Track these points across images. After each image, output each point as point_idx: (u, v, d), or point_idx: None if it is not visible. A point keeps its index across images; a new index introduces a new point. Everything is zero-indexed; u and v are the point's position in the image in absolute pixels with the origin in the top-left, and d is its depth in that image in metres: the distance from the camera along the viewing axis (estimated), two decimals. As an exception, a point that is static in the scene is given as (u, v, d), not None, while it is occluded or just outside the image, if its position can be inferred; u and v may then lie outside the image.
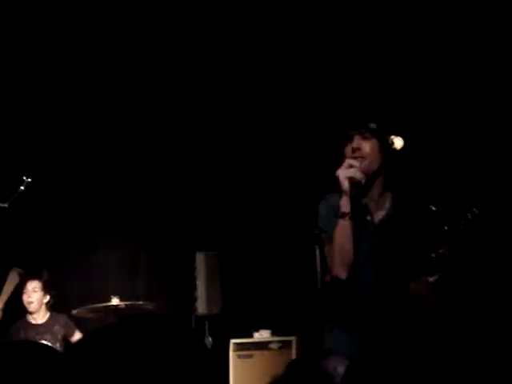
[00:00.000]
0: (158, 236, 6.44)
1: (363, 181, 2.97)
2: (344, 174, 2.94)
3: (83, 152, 6.16)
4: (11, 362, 4.35)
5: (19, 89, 5.54)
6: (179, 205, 6.41)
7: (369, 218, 3.12)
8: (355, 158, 2.99)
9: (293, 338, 5.62)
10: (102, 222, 6.42)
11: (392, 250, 3.11)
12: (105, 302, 5.54)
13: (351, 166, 2.94)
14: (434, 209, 5.90)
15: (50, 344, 5.47)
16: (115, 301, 5.55)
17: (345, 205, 2.97)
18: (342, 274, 3.03)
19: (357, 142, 3.01)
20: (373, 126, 3.05)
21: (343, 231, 2.99)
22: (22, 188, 5.09)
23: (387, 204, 3.14)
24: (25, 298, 5.56)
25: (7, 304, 5.50)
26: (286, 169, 6.03)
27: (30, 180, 5.11)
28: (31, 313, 5.62)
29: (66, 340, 5.64)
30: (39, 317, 5.66)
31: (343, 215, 2.98)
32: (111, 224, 6.45)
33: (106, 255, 6.39)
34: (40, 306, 5.63)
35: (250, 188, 6.26)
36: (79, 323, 5.70)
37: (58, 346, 5.52)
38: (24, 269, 5.56)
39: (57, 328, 5.63)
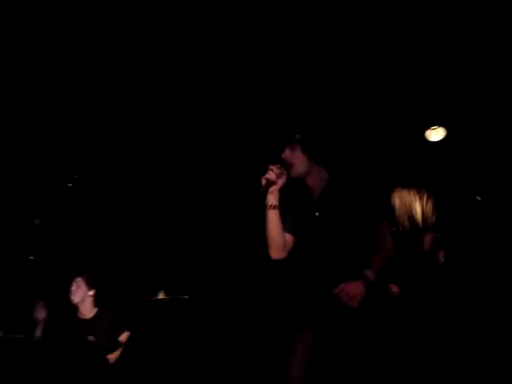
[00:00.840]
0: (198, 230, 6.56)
1: (278, 180, 3.63)
2: (263, 177, 3.63)
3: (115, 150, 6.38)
4: (59, 355, 4.52)
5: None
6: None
7: (317, 214, 3.70)
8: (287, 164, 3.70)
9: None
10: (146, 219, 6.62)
11: (336, 219, 3.61)
12: (151, 296, 5.66)
13: (271, 170, 3.65)
14: (479, 199, 5.86)
15: (96, 340, 5.63)
16: (161, 295, 5.65)
17: (268, 199, 3.66)
18: (280, 255, 3.70)
19: (285, 152, 3.72)
20: (297, 136, 3.72)
21: (270, 220, 3.66)
22: (70, 184, 5.43)
23: (323, 184, 3.73)
24: (70, 291, 5.74)
25: (57, 301, 5.76)
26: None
27: (77, 177, 5.43)
28: (77, 307, 5.79)
29: (112, 337, 5.77)
30: (86, 312, 5.79)
31: (268, 207, 3.67)
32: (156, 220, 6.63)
33: (152, 250, 6.55)
34: (84, 300, 5.80)
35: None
36: (125, 318, 5.81)
37: (104, 342, 5.65)
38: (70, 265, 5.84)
39: (104, 325, 5.75)
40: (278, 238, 3.65)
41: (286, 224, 3.74)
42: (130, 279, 6.40)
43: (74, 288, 5.83)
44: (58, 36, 4.95)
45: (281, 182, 3.63)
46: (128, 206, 6.51)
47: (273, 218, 3.65)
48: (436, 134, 6.32)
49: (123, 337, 5.79)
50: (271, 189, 3.61)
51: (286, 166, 3.66)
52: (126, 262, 6.49)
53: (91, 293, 5.84)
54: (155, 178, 6.47)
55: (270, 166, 3.61)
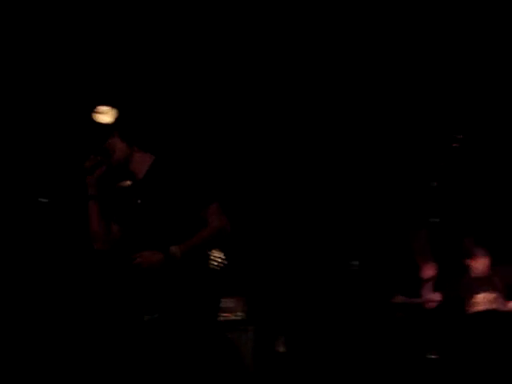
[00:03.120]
0: None
1: (96, 169, 3.59)
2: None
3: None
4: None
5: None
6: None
7: (139, 201, 3.57)
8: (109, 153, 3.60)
9: None
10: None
11: (159, 203, 3.48)
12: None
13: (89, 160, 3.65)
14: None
15: (489, 294, 5.68)
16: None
17: (88, 189, 3.64)
18: (103, 246, 3.62)
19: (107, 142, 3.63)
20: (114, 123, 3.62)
21: (90, 211, 3.62)
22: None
23: (146, 168, 3.59)
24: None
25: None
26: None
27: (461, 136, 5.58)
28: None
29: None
30: (479, 271, 5.90)
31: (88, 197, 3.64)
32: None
33: None
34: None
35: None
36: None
37: (497, 296, 5.69)
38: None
39: (496, 279, 5.78)
40: (98, 228, 3.60)
41: (113, 214, 3.70)
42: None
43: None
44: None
45: (98, 171, 3.61)
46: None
47: (91, 209, 3.63)
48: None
49: None
50: (88, 179, 3.62)
51: (108, 154, 3.58)
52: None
53: None
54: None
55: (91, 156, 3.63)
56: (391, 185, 6.24)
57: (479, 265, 5.89)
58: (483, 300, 5.78)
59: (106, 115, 5.51)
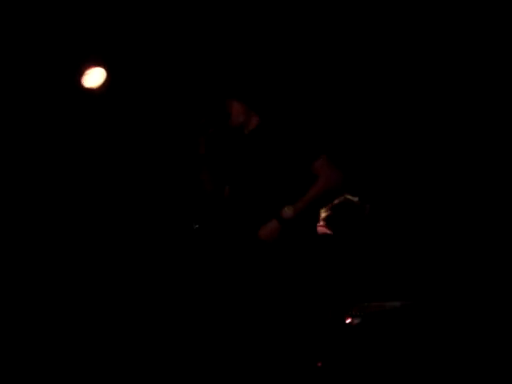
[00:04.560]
0: None
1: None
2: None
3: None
4: None
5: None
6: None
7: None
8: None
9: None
10: None
11: (268, 157, 3.45)
12: None
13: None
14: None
15: None
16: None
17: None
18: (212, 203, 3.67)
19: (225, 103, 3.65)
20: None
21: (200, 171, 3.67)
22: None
23: (255, 125, 3.60)
24: None
25: None
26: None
27: None
28: None
29: None
30: None
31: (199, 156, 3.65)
32: None
33: None
34: None
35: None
36: None
37: None
38: None
39: None
40: (209, 187, 3.66)
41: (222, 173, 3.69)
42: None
43: None
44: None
45: (210, 131, 3.62)
46: None
47: (201, 168, 3.67)
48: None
49: None
50: (200, 138, 3.64)
51: (226, 115, 3.59)
52: None
53: None
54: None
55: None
56: None
57: None
58: None
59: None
